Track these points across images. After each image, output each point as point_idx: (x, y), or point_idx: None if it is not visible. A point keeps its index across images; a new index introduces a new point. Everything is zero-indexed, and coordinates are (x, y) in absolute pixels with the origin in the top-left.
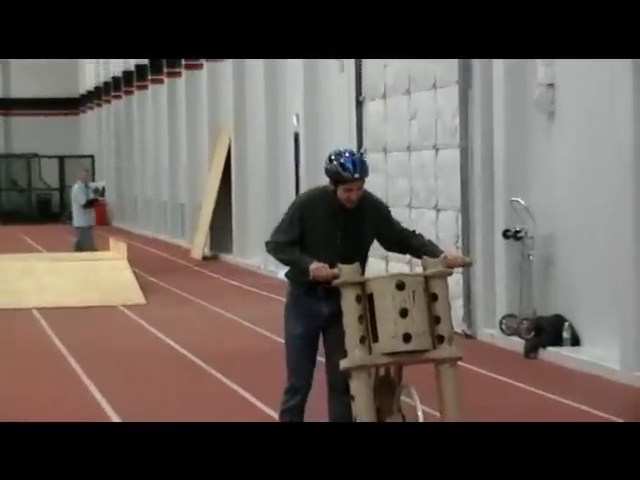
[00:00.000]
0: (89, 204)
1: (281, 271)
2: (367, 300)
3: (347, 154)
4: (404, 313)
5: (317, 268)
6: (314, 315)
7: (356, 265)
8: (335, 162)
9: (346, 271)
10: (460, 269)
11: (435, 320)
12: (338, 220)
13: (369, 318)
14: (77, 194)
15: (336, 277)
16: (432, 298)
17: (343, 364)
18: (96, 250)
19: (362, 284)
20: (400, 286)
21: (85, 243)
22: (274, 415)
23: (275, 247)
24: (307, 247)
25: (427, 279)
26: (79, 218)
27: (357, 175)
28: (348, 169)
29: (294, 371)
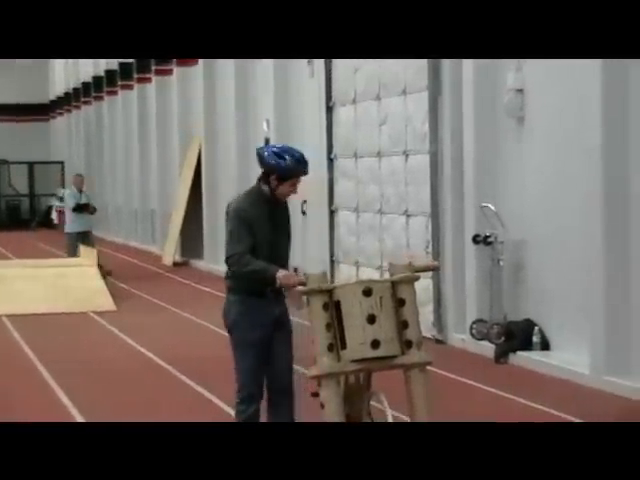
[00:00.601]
0: (78, 208)
1: None
2: (334, 307)
3: (295, 150)
4: (372, 319)
5: (285, 276)
6: (268, 319)
7: (323, 273)
8: (290, 158)
9: (313, 279)
10: (430, 274)
11: (403, 325)
12: (274, 218)
13: (337, 325)
14: (67, 199)
15: (303, 284)
16: (399, 303)
17: (311, 372)
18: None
19: (329, 291)
20: (367, 292)
21: (70, 250)
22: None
23: (239, 260)
24: (255, 251)
25: (394, 284)
26: (69, 224)
27: (306, 169)
28: (303, 164)
29: (251, 379)
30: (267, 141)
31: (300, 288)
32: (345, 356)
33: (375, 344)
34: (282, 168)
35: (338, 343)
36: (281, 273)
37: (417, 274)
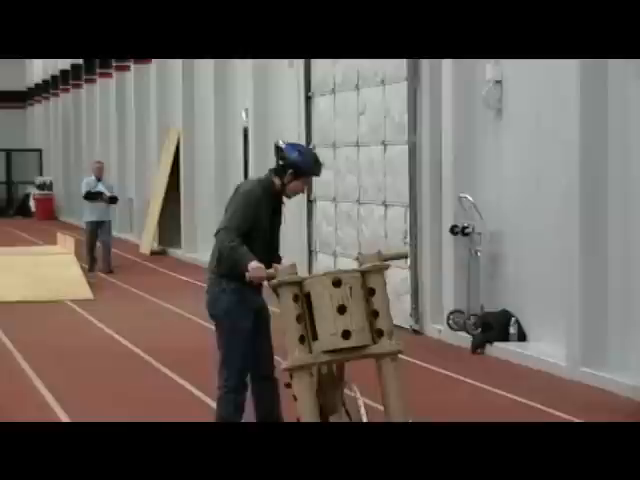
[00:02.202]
0: (90, 196)
1: None
2: (305, 299)
3: (311, 150)
4: (342, 310)
5: (254, 269)
6: (257, 307)
7: (292, 264)
8: (309, 156)
9: (283, 271)
10: (408, 265)
11: (374, 314)
12: (275, 213)
13: (308, 317)
14: (82, 187)
15: (272, 277)
16: (370, 293)
17: (284, 365)
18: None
19: (299, 283)
20: (336, 283)
21: (90, 238)
22: None
23: (227, 236)
24: (247, 237)
25: (364, 274)
26: (85, 212)
27: (321, 172)
28: (319, 166)
29: (242, 367)
30: (246, 131)
31: (270, 281)
32: (317, 347)
33: (346, 334)
34: (302, 163)
35: (309, 335)
36: (253, 264)
37: (386, 263)
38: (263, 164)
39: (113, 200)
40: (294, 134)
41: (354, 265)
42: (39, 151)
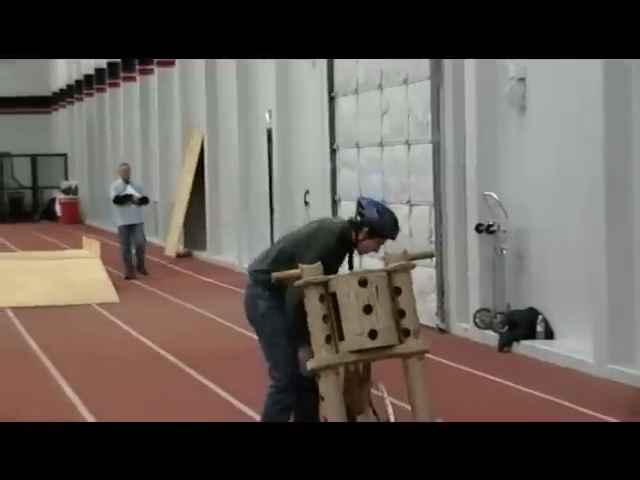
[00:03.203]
0: (119, 200)
1: None
2: (331, 299)
3: (393, 213)
4: (368, 310)
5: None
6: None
7: (318, 265)
8: (388, 217)
9: (308, 271)
10: (433, 263)
11: (400, 314)
12: (339, 259)
13: (334, 317)
14: (109, 191)
15: (298, 278)
16: (396, 292)
17: (310, 365)
18: (139, 248)
19: (325, 283)
20: (362, 283)
21: (125, 243)
22: (250, 413)
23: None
24: None
25: (390, 274)
26: (116, 217)
27: (397, 236)
28: (397, 229)
29: (290, 366)
30: (269, 132)
31: (296, 282)
32: (343, 347)
33: (372, 334)
34: (379, 224)
35: (336, 335)
36: (300, 355)
37: (412, 262)
38: (286, 165)
39: (144, 201)
40: (317, 135)
41: (379, 265)
42: (64, 156)
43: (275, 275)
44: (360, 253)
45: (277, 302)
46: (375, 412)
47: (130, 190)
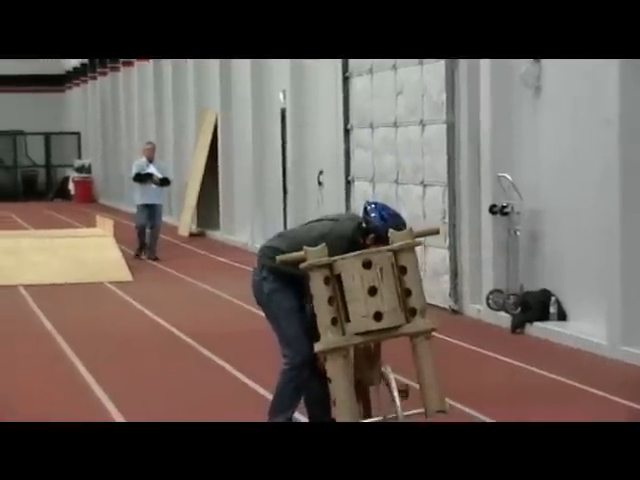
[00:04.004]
0: (139, 178)
1: None
2: (336, 281)
3: (401, 219)
4: (373, 291)
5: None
6: (299, 293)
7: (322, 247)
8: (394, 223)
9: (312, 253)
10: (447, 245)
11: (406, 293)
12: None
13: (340, 299)
14: (131, 168)
15: (303, 260)
16: (401, 271)
17: (317, 347)
18: (153, 231)
19: (329, 265)
20: (367, 265)
21: (140, 222)
22: (265, 394)
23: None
24: None
25: (395, 253)
26: (135, 195)
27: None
28: (389, 225)
29: (301, 343)
30: (283, 112)
31: (301, 264)
32: (349, 329)
33: (377, 316)
34: (378, 226)
35: (342, 317)
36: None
37: (417, 240)
38: (300, 145)
39: (165, 182)
40: (331, 115)
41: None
42: (77, 134)
43: (280, 257)
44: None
45: (281, 284)
46: (388, 383)
47: (152, 169)
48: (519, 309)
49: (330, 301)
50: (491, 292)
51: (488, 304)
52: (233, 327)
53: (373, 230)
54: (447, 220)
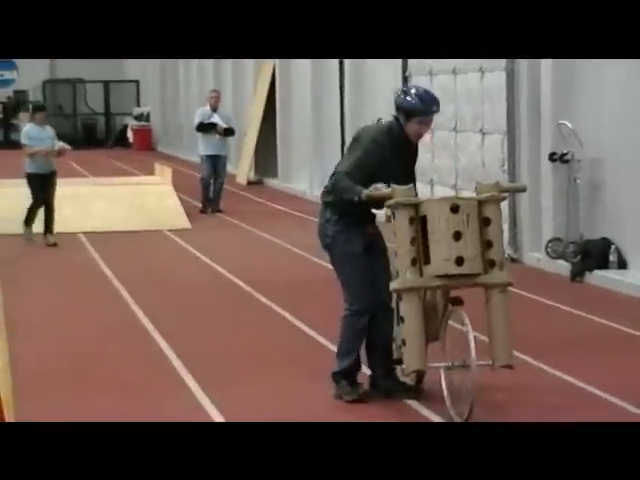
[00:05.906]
0: (202, 128)
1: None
2: (420, 222)
3: (422, 89)
4: (458, 236)
5: (375, 187)
6: (368, 236)
7: (410, 186)
8: (413, 96)
9: (400, 192)
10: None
11: (487, 245)
12: (401, 157)
13: (421, 240)
14: (194, 117)
15: (389, 197)
16: (485, 223)
17: (393, 285)
18: (217, 183)
19: (416, 206)
20: (454, 209)
21: (206, 173)
22: (321, 340)
23: (341, 178)
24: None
25: (480, 203)
26: (199, 145)
27: (434, 109)
28: (426, 103)
29: (362, 291)
30: (342, 61)
31: (387, 202)
32: (428, 271)
33: (459, 261)
34: (402, 104)
35: (422, 258)
36: (372, 187)
37: (503, 194)
38: (359, 94)
39: (229, 132)
40: (390, 62)
41: (452, 193)
42: (136, 82)
43: (366, 192)
44: (413, 141)
45: (344, 225)
46: (444, 344)
47: (216, 119)
48: (579, 257)
49: (412, 241)
50: (550, 240)
51: (547, 252)
52: (292, 274)
53: (398, 107)
54: (506, 168)
